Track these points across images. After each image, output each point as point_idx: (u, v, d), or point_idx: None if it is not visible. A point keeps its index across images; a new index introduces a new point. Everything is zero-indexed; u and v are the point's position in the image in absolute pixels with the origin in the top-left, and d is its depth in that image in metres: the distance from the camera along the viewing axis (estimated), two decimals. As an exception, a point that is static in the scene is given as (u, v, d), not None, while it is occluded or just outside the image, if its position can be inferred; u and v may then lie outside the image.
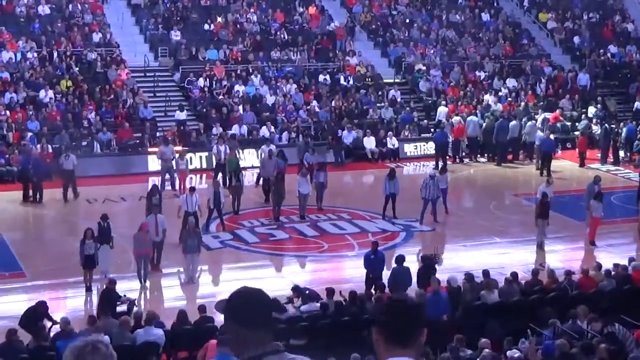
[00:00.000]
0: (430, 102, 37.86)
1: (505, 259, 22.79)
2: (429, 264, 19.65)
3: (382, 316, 3.95)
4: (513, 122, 34.41)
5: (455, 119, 34.70)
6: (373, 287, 19.00)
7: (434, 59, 40.56)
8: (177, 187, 28.29)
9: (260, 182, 28.49)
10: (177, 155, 28.78)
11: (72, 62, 35.17)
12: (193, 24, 39.54)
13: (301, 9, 41.95)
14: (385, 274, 19.52)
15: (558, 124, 36.59)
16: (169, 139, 30.35)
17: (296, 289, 18.28)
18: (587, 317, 15.51)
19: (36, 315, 16.32)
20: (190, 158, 30.25)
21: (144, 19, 39.13)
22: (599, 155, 34.56)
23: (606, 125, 35.31)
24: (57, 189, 28.09)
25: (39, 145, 29.63)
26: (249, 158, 31.81)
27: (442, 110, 36.19)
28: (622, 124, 36.71)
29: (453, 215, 26.51)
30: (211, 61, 37.09)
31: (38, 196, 26.98)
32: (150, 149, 31.55)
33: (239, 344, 3.97)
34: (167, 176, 28.60)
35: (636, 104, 39.57)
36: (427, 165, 32.80)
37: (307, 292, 18.28)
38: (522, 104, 37.42)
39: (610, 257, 21.90)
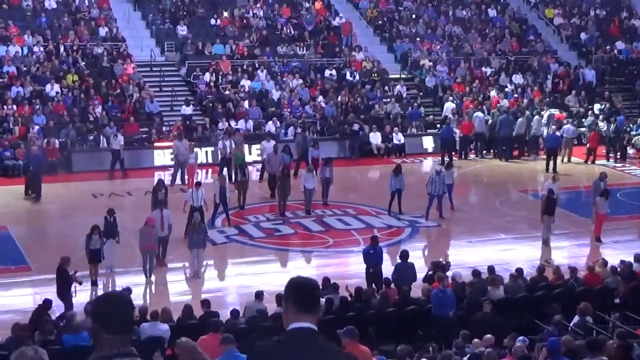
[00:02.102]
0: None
1: (511, 255, 22.76)
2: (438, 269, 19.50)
3: (291, 290, 4.64)
4: (520, 118, 34.37)
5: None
6: (373, 282, 19.01)
7: (440, 54, 40.52)
8: (186, 181, 28.42)
9: (265, 177, 28.51)
10: (187, 150, 28.92)
11: (78, 57, 35.21)
12: (199, 18, 39.56)
13: (307, 4, 41.90)
14: (389, 270, 19.52)
15: (564, 121, 36.51)
16: (183, 134, 30.43)
17: (326, 281, 18.21)
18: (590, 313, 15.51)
19: (43, 311, 16.34)
20: (196, 153, 30.28)
21: (150, 14, 39.16)
22: (606, 152, 34.48)
23: (617, 122, 35.14)
24: (61, 183, 28.22)
25: (45, 140, 29.70)
26: (255, 153, 31.80)
27: (448, 106, 36.17)
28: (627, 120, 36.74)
29: (459, 211, 26.49)
30: (217, 56, 37.10)
31: (35, 192, 26.83)
32: (156, 144, 31.62)
33: (98, 342, 4.46)
34: (180, 171, 28.80)
35: (643, 100, 39.52)
36: (433, 160, 32.84)
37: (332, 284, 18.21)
38: (525, 100, 37.32)
39: (616, 254, 21.86)
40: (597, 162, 33.34)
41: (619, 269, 18.88)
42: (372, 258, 19.71)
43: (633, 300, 17.26)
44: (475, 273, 18.43)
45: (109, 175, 29.70)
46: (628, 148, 34.91)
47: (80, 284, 18.59)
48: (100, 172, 29.45)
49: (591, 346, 11.05)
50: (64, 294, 18.19)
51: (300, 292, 4.64)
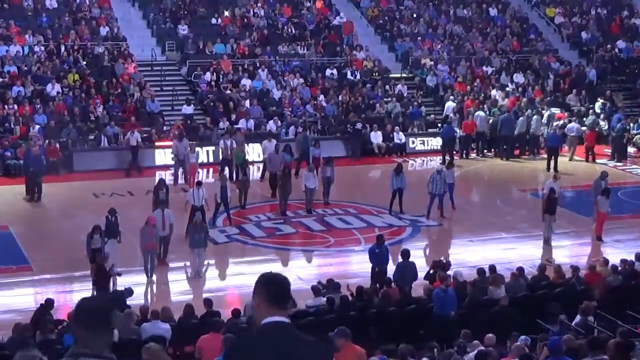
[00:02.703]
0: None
1: (512, 254, 22.76)
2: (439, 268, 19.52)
3: (263, 285, 4.74)
4: (521, 118, 34.39)
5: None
6: (378, 281, 19.01)
7: (441, 53, 40.52)
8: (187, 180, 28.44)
9: (266, 176, 28.51)
10: (188, 150, 28.93)
11: (79, 56, 35.20)
12: (200, 18, 39.55)
13: (308, 4, 41.88)
14: (391, 269, 19.52)
15: (566, 120, 36.54)
16: (183, 133, 30.46)
17: (330, 281, 18.26)
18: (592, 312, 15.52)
19: (44, 311, 16.35)
20: (198, 152, 30.27)
21: (151, 13, 39.16)
22: (607, 151, 34.49)
23: (622, 122, 35.15)
24: (62, 182, 28.25)
25: (46, 141, 29.71)
26: (256, 152, 31.78)
27: (449, 105, 36.18)
28: (628, 119, 36.80)
29: (460, 210, 26.48)
30: (218, 55, 37.10)
31: (36, 194, 26.80)
32: (157, 143, 31.64)
33: (75, 340, 4.57)
34: (181, 170, 28.79)
35: (643, 99, 39.52)
36: (434, 159, 32.87)
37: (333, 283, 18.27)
38: (525, 99, 37.32)
39: (617, 253, 21.87)
40: (598, 160, 33.35)
41: (620, 268, 18.89)
42: (378, 257, 19.69)
43: (610, 300, 17.25)
44: (480, 272, 18.39)
45: (125, 172, 30.01)
46: (628, 147, 34.95)
47: (120, 275, 19.09)
48: (101, 172, 29.45)
49: (592, 345, 11.05)
50: (102, 290, 18.33)
51: (272, 288, 4.74)
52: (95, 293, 18.61)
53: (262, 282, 4.77)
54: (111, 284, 18.86)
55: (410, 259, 19.09)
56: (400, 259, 19.24)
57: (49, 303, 16.53)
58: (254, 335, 4.74)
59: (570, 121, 35.36)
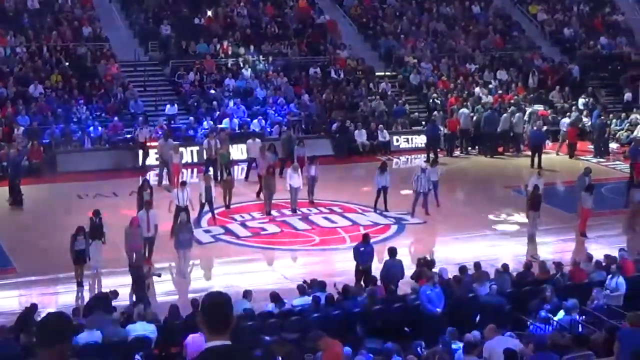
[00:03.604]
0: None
1: (497, 251, 22.83)
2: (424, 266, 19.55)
3: (203, 310, 4.89)
4: (504, 115, 34.52)
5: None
6: (363, 279, 19.01)
7: (425, 51, 40.56)
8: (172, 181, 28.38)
9: (252, 177, 28.47)
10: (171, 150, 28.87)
11: (61, 57, 35.07)
12: (183, 17, 39.43)
13: (291, 2, 41.85)
14: (377, 267, 19.52)
15: (549, 117, 36.70)
16: (168, 134, 30.40)
17: (315, 282, 18.24)
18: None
19: (29, 314, 16.27)
20: (182, 152, 30.21)
21: (133, 14, 39.02)
22: (590, 147, 34.64)
23: (602, 117, 35.39)
24: (45, 184, 28.14)
25: (29, 142, 29.59)
26: (240, 152, 31.72)
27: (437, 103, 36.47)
28: (611, 115, 37.07)
29: (444, 208, 26.52)
30: (201, 55, 37.02)
31: (11, 198, 26.50)
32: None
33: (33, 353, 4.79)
34: (165, 170, 28.74)
35: (626, 95, 39.67)
36: (418, 157, 32.94)
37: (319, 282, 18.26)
38: (509, 96, 37.48)
39: (601, 249, 21.96)
40: (582, 157, 33.49)
41: (604, 264, 18.96)
42: (363, 256, 19.67)
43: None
44: (462, 269, 18.46)
45: (136, 169, 30.02)
46: (610, 142, 35.15)
47: (159, 276, 19.44)
48: (85, 173, 29.31)
49: (577, 341, 11.08)
50: (139, 290, 18.37)
51: (211, 315, 4.88)
52: (134, 298, 18.46)
53: (202, 307, 4.93)
54: (147, 286, 18.85)
55: (397, 257, 19.12)
56: (387, 257, 19.23)
57: (34, 307, 16.46)
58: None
59: (559, 117, 35.75)
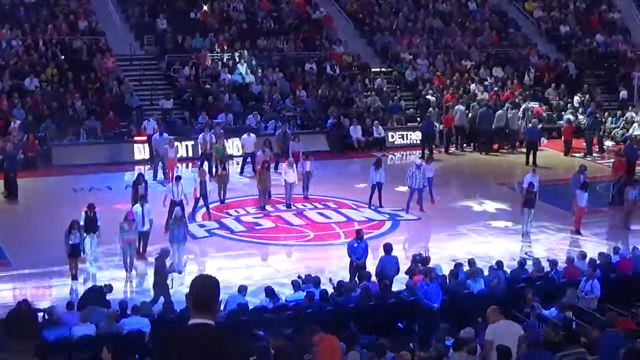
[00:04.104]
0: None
1: (491, 248, 22.85)
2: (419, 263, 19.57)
3: (191, 289, 5.15)
4: (499, 112, 34.56)
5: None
6: (357, 276, 19.03)
7: (421, 48, 40.55)
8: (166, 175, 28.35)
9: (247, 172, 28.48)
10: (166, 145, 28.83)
11: (57, 50, 35.00)
12: (179, 12, 39.36)
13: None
14: (370, 263, 19.55)
15: (544, 114, 36.76)
16: (163, 128, 30.38)
17: (309, 277, 18.26)
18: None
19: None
20: (177, 147, 30.18)
21: (129, 7, 38.95)
22: (584, 145, 34.68)
23: (596, 114, 35.44)
24: (41, 177, 28.11)
25: (25, 136, 29.54)
26: (235, 147, 31.71)
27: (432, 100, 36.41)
28: (606, 113, 37.13)
29: (439, 204, 26.55)
30: (197, 49, 36.97)
31: (6, 192, 26.54)
32: (136, 138, 31.52)
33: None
34: (160, 164, 28.72)
35: (621, 93, 39.73)
36: (413, 154, 32.96)
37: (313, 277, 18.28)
38: (505, 93, 37.51)
39: (595, 246, 21.99)
40: (577, 154, 33.55)
41: (598, 262, 18.99)
42: (357, 252, 19.71)
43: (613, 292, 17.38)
44: (457, 266, 18.50)
45: (147, 163, 30.14)
46: (605, 140, 35.21)
47: (180, 273, 19.25)
48: (80, 167, 29.25)
49: (570, 339, 11.11)
50: (161, 286, 18.27)
51: (196, 294, 5.14)
52: (155, 295, 18.40)
53: (190, 286, 5.18)
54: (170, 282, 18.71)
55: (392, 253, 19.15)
56: (382, 253, 19.24)
57: (25, 302, 16.46)
58: (180, 332, 5.08)
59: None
